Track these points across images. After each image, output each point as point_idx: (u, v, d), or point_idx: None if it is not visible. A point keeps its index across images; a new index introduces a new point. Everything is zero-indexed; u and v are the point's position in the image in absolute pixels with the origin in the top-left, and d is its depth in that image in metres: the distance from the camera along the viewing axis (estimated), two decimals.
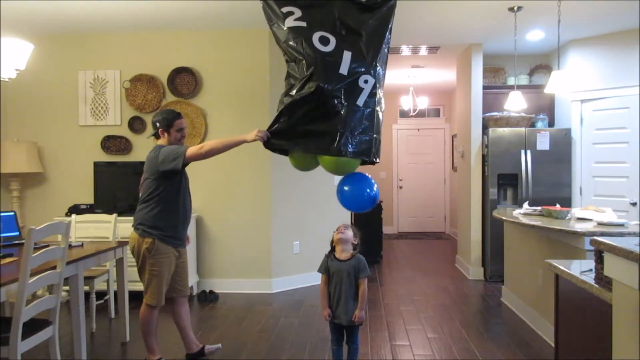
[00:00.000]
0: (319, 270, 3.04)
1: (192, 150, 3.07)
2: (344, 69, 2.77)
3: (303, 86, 2.74)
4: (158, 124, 3.26)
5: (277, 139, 2.90)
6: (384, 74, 3.00)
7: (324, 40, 2.77)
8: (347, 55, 2.78)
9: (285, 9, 2.80)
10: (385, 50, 2.98)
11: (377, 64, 2.89)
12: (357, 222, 6.21)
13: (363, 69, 2.82)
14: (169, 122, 3.25)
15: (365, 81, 2.83)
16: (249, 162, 5.18)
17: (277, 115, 2.87)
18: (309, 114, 2.79)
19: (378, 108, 2.90)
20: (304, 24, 2.79)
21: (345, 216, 5.77)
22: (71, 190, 5.26)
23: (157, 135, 3.30)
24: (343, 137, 2.78)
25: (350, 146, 2.80)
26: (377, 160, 2.97)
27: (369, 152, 2.88)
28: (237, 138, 3.03)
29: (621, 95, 5.19)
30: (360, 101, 2.82)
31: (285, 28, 2.81)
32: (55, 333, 2.89)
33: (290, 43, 2.79)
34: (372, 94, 2.86)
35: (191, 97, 5.24)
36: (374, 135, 2.88)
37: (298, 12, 2.79)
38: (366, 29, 2.87)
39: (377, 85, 2.88)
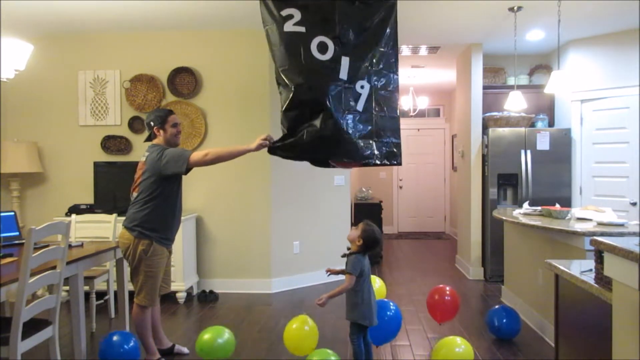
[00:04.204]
0: (354, 272, 2.80)
1: (196, 156, 3.07)
2: (343, 74, 2.76)
3: (300, 94, 2.72)
4: (153, 123, 3.27)
5: (283, 150, 2.90)
6: (387, 75, 2.99)
7: (323, 48, 2.74)
8: (345, 61, 2.76)
9: (284, 12, 2.75)
10: (387, 50, 2.97)
11: (375, 68, 2.88)
12: (357, 222, 6.20)
13: (359, 73, 2.81)
14: (162, 118, 3.26)
15: (362, 86, 2.83)
16: (249, 163, 5.16)
17: (285, 131, 2.86)
18: (307, 122, 2.78)
19: (359, 111, 2.90)
20: (302, 29, 2.75)
21: (345, 216, 5.76)
22: (71, 190, 5.26)
23: (152, 136, 3.32)
24: (338, 143, 2.79)
25: (347, 151, 2.82)
26: (379, 163, 2.98)
27: (363, 156, 2.90)
28: (241, 148, 3.06)
29: (621, 95, 5.19)
30: (360, 106, 2.83)
31: (282, 32, 2.76)
32: (55, 333, 2.89)
33: (287, 49, 2.75)
34: (361, 97, 2.86)
35: (191, 97, 5.24)
36: (357, 140, 2.89)
37: (297, 15, 2.74)
38: (365, 31, 2.86)
39: (372, 88, 2.89)
